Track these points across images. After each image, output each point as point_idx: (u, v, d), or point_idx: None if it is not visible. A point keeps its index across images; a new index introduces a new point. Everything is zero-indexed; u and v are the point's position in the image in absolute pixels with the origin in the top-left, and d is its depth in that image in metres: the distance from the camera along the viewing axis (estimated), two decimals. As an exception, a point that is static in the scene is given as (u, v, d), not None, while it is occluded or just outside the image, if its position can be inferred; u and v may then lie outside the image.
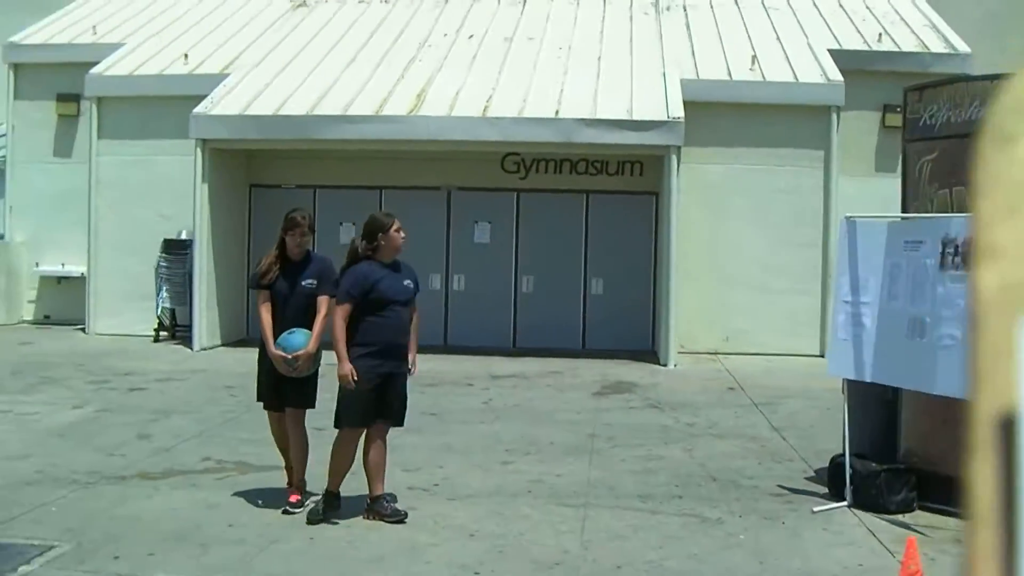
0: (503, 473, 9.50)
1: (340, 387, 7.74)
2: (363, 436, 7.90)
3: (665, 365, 16.61)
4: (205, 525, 7.66)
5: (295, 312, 8.00)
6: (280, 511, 7.96)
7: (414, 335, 8.05)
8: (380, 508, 7.87)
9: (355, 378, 7.60)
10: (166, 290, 18.14)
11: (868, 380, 8.50)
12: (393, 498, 8.03)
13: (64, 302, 19.64)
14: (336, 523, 7.75)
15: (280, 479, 8.37)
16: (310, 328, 7.94)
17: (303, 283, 8.08)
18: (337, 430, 7.92)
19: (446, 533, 7.67)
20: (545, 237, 18.73)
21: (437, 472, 9.45)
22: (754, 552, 7.32)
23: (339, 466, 7.89)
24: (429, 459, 9.91)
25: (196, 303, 17.26)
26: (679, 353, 16.81)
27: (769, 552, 7.31)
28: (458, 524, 7.90)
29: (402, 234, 7.91)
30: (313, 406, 8.24)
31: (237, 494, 8.48)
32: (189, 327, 17.48)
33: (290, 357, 7.80)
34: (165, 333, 18.15)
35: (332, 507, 7.82)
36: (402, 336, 7.89)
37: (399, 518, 7.80)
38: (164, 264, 18.23)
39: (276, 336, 7.94)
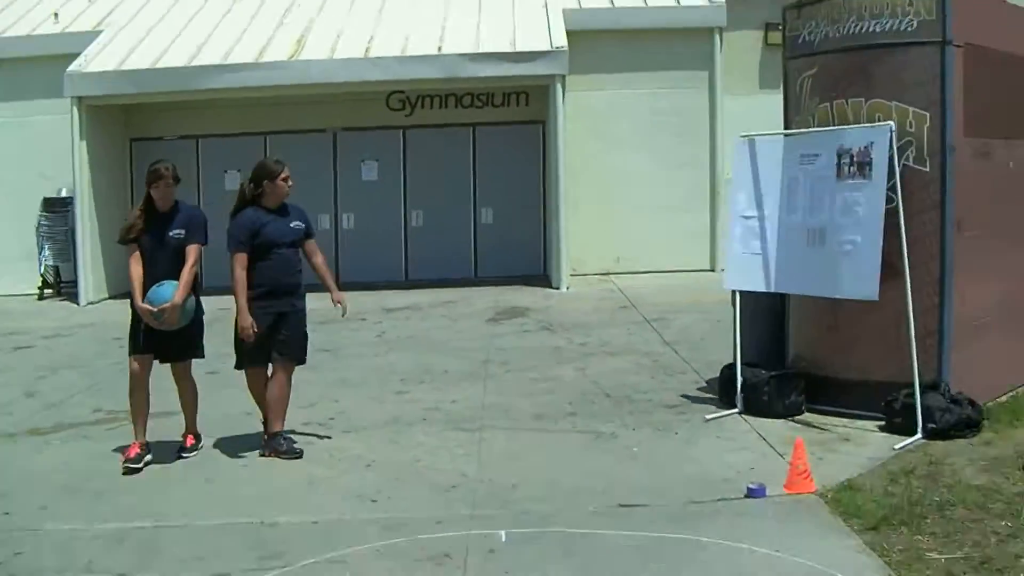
0: (398, 403, 9.51)
1: (236, 330, 7.87)
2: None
3: (557, 288, 16.70)
4: (98, 475, 7.56)
5: (166, 264, 7.77)
6: (175, 457, 7.90)
7: (325, 271, 8.27)
8: (276, 445, 7.90)
9: (255, 330, 7.78)
10: (48, 248, 17.79)
11: (770, 291, 8.62)
12: (291, 439, 8.09)
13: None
14: (235, 461, 7.73)
15: (173, 426, 8.27)
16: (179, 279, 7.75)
17: (171, 234, 7.83)
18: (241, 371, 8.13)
19: (343, 465, 7.67)
20: (433, 172, 18.68)
21: (332, 406, 9.43)
22: (648, 462, 7.42)
23: (259, 402, 8.15)
24: (324, 394, 9.89)
25: (80, 259, 16.95)
26: (571, 276, 16.91)
27: (664, 462, 7.42)
28: (354, 455, 7.90)
29: (289, 183, 8.02)
30: (200, 355, 8.13)
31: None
32: (74, 283, 17.17)
33: (156, 310, 7.57)
34: (50, 291, 17.81)
35: (288, 443, 8.03)
36: (290, 276, 8.00)
37: (295, 455, 7.85)
38: (45, 223, 17.88)
39: (147, 290, 7.71)
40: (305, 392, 9.69)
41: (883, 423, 7.90)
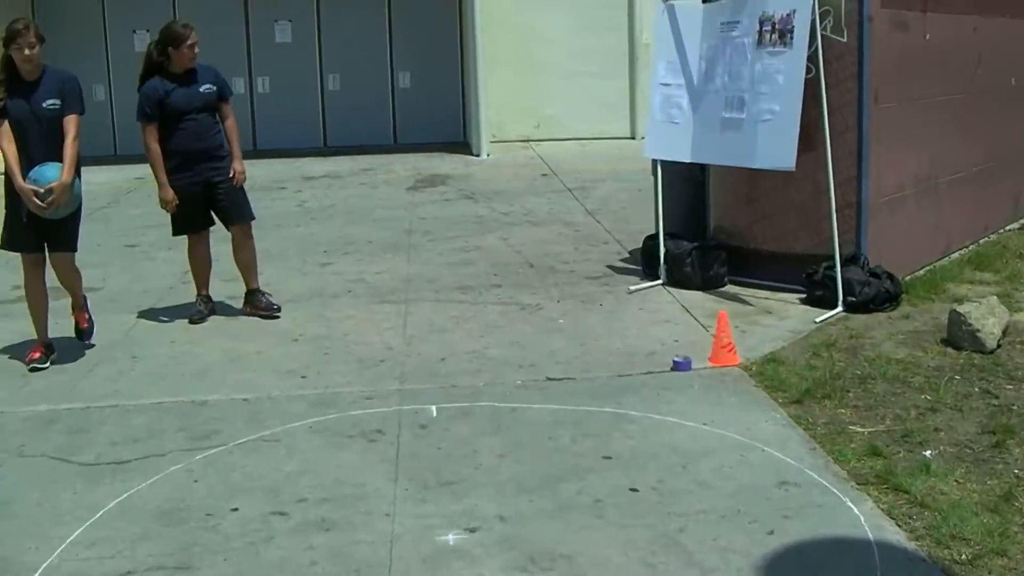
0: (322, 275, 9.51)
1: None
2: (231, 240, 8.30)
3: (478, 155, 16.66)
4: (23, 355, 7.49)
5: (40, 140, 6.98)
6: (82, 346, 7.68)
7: (233, 137, 8.10)
8: (256, 301, 8.28)
9: (177, 202, 7.89)
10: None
11: (687, 161, 8.64)
12: (269, 295, 8.45)
13: None
14: (160, 338, 7.71)
15: (94, 300, 8.18)
16: (60, 159, 6.98)
17: (44, 105, 6.96)
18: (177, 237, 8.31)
19: (270, 340, 7.68)
20: (349, 33, 18.39)
21: (256, 280, 9.39)
22: (574, 335, 7.52)
23: (193, 270, 8.32)
24: (246, 268, 9.83)
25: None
26: (491, 143, 16.85)
27: (588, 334, 7.52)
28: (281, 330, 7.91)
29: (196, 50, 7.81)
30: (76, 248, 7.39)
31: (54, 320, 8.28)
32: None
33: (43, 191, 6.83)
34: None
35: (207, 307, 8.30)
36: (202, 142, 7.91)
37: (272, 312, 8.21)
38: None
39: (24, 175, 6.91)
40: (227, 266, 9.62)
41: (804, 296, 8.05)
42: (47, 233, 7.16)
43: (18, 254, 7.33)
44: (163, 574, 4.45)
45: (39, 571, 4.52)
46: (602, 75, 17.62)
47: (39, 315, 7.40)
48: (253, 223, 8.35)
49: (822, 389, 6.18)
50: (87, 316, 7.76)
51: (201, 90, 7.87)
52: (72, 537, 4.81)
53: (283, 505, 5.02)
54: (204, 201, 8.02)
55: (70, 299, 7.68)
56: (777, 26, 7.87)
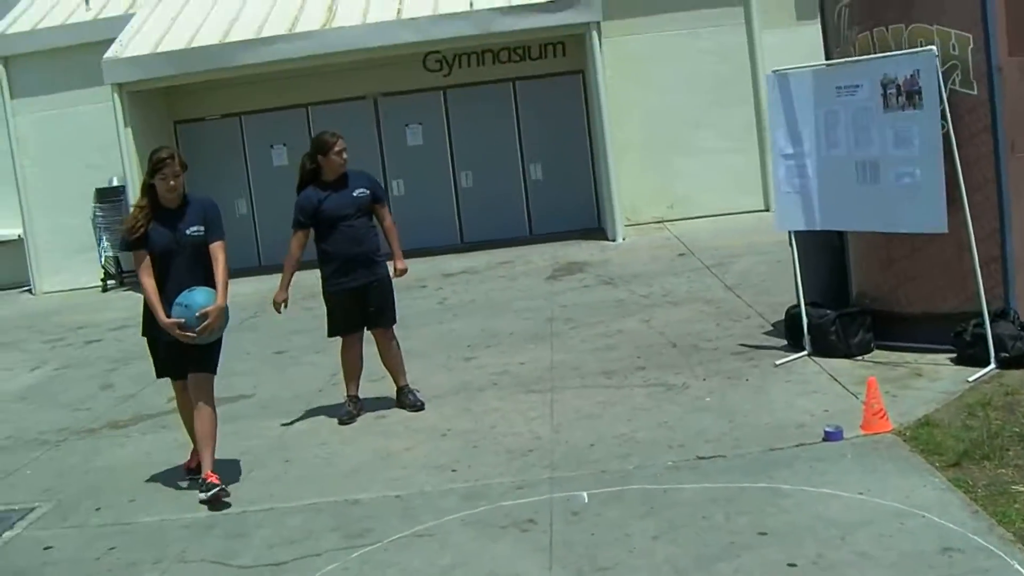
0: (467, 369, 9.58)
1: (326, 301, 8.27)
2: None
3: (613, 240, 16.69)
4: (181, 464, 7.68)
5: (185, 268, 6.94)
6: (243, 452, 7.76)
7: (393, 236, 8.38)
8: (404, 399, 8.47)
9: (285, 306, 8.17)
10: (106, 239, 17.97)
11: (819, 228, 8.56)
12: (416, 392, 8.59)
13: (5, 266, 19.36)
14: (310, 440, 7.81)
15: (246, 407, 8.38)
16: (203, 284, 6.95)
17: (188, 232, 6.93)
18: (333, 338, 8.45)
19: (418, 436, 7.75)
20: (477, 130, 18.68)
21: (402, 378, 9.51)
22: (722, 412, 7.44)
23: (345, 370, 8.43)
24: (392, 367, 9.97)
25: (138, 247, 17.06)
26: (626, 226, 16.88)
27: (736, 410, 7.43)
28: (429, 426, 7.98)
29: (344, 156, 8.05)
30: (216, 371, 7.23)
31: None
32: (135, 272, 17.30)
33: (196, 316, 6.74)
34: (112, 281, 18.02)
35: (356, 407, 8.38)
36: (359, 246, 8.09)
37: (418, 407, 8.37)
38: (100, 213, 18.06)
39: (168, 303, 6.89)
40: (374, 366, 9.77)
41: (954, 355, 7.85)
42: (190, 356, 7.04)
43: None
44: (325, 673, 4.48)
45: (205, 676, 4.59)
46: (731, 150, 17.56)
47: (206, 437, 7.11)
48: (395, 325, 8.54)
49: (980, 450, 5.99)
50: (215, 477, 6.89)
51: (355, 195, 8.09)
52: (235, 640, 4.87)
53: (439, 599, 5.03)
54: (360, 303, 8.20)
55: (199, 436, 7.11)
56: (903, 88, 7.77)
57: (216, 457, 7.06)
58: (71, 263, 18.25)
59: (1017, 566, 4.64)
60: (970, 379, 7.37)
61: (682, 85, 17.75)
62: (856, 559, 4.90)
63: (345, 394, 8.44)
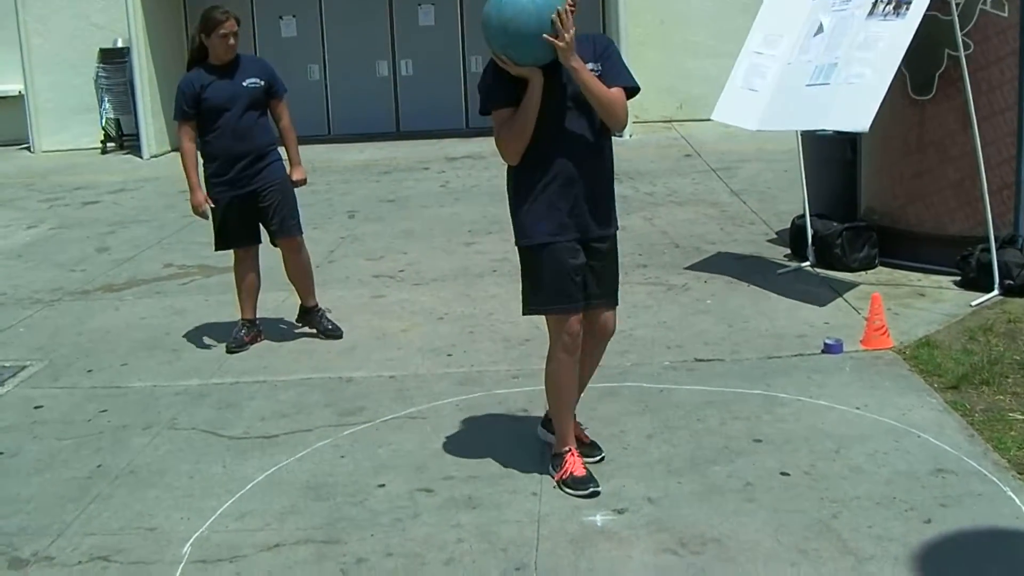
0: (467, 254, 9.52)
1: (212, 209, 7.09)
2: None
3: (620, 136, 16.51)
4: (174, 331, 7.66)
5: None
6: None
7: (290, 139, 7.28)
8: (314, 322, 7.47)
9: (211, 205, 7.06)
10: (108, 100, 17.74)
11: (753, 128, 8.18)
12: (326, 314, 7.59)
13: (5, 122, 19.12)
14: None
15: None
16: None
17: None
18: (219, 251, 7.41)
19: (415, 318, 7.71)
20: (491, 15, 18.37)
21: (401, 258, 9.47)
22: (722, 315, 7.39)
23: (239, 289, 7.39)
24: (391, 246, 9.94)
25: (140, 111, 16.91)
26: (633, 123, 16.69)
27: (736, 315, 7.39)
28: (426, 308, 7.94)
29: (231, 41, 6.88)
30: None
31: (203, 297, 8.47)
32: (136, 136, 17.18)
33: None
34: (112, 144, 17.84)
35: (251, 333, 7.36)
36: (244, 142, 6.99)
37: (335, 334, 7.37)
38: (103, 74, 17.79)
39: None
40: (372, 244, 9.74)
41: (958, 279, 7.78)
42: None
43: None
44: (311, 547, 4.48)
45: (190, 541, 4.59)
46: (747, 54, 17.32)
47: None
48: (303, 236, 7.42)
49: (980, 374, 5.95)
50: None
51: (245, 84, 6.98)
52: (222, 509, 4.88)
53: (429, 482, 5.03)
54: (252, 212, 7.15)
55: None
56: None
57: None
58: (71, 123, 18.03)
59: (1010, 492, 4.62)
60: (973, 303, 7.31)
61: (701, -17, 17.48)
62: (849, 473, 4.89)
63: (240, 317, 7.40)
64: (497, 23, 4.50)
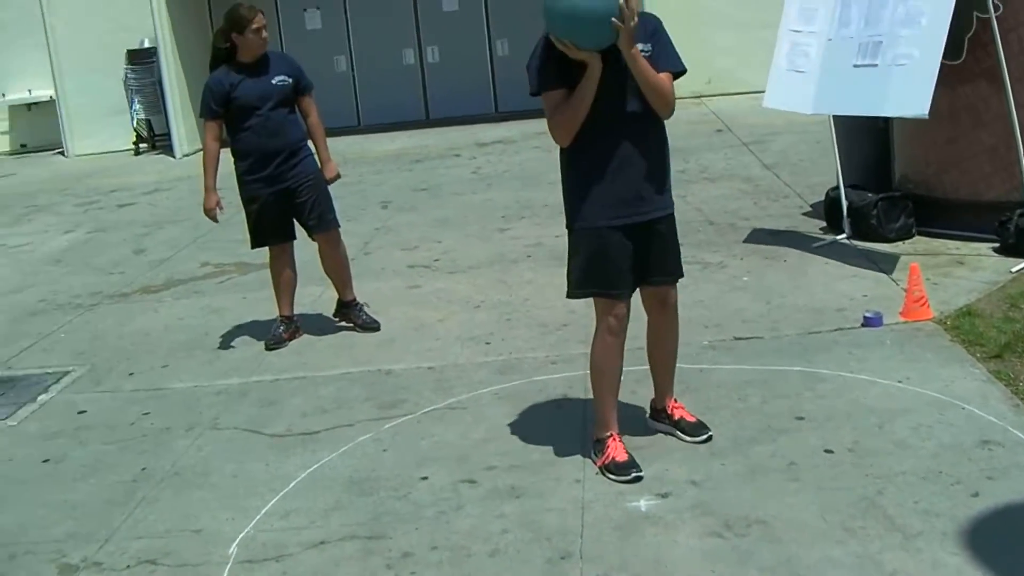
0: (501, 240, 9.51)
1: (246, 206, 7.18)
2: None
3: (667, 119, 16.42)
4: (213, 331, 7.70)
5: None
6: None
7: (319, 136, 7.25)
8: (353, 316, 7.47)
9: (221, 210, 7.16)
10: (138, 101, 17.84)
11: (810, 112, 8.21)
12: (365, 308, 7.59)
13: (38, 128, 19.22)
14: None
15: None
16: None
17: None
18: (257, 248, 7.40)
19: (452, 307, 7.72)
20: (514, -1, 18.34)
21: (435, 247, 9.47)
22: (759, 292, 7.36)
23: (276, 286, 7.40)
24: (425, 235, 9.94)
25: (171, 110, 16.97)
26: (664, 102, 16.62)
27: (774, 291, 7.35)
28: (463, 297, 7.94)
29: (264, 35, 6.95)
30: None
31: (241, 295, 8.51)
32: (168, 135, 17.25)
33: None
34: (145, 145, 17.92)
35: (289, 330, 7.38)
36: (277, 138, 7.00)
37: (372, 327, 7.40)
38: (132, 75, 17.88)
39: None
40: (407, 235, 9.75)
41: (997, 245, 7.69)
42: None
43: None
44: (357, 543, 4.50)
45: (236, 541, 4.63)
46: (773, 25, 17.01)
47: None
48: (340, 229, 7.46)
49: (1023, 343, 5.90)
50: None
51: (274, 82, 6.99)
52: (266, 508, 4.91)
53: (472, 473, 5.03)
54: (289, 208, 7.17)
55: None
56: None
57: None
58: (103, 125, 18.12)
59: (1058, 460, 4.59)
60: (1013, 270, 7.23)
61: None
62: (894, 448, 4.86)
63: (278, 314, 7.44)
64: (566, 7, 4.47)
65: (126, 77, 17.90)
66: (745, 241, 8.67)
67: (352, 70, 18.80)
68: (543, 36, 4.72)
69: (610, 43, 4.56)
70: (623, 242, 4.79)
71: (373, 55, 18.66)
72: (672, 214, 4.97)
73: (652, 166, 4.82)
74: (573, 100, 4.65)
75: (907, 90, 7.19)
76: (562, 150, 4.88)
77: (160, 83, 17.17)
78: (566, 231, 4.96)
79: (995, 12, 7.42)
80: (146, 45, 17.65)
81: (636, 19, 4.51)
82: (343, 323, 7.52)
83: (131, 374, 6.98)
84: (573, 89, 4.66)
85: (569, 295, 5.04)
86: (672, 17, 16.83)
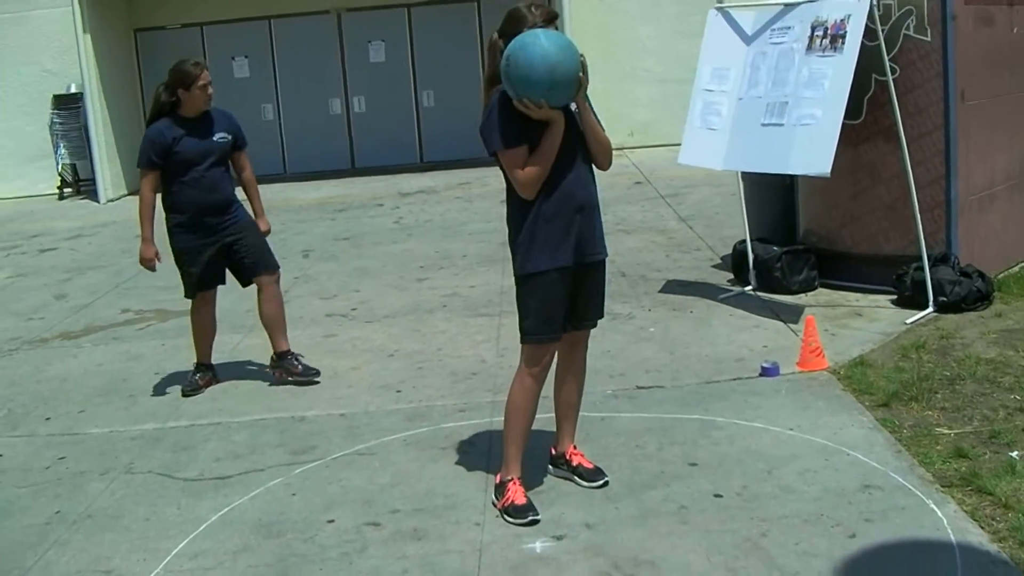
0: (418, 290, 9.69)
1: (178, 258, 7.16)
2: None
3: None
4: (131, 377, 7.80)
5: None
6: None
7: (253, 191, 7.41)
8: (289, 366, 7.42)
9: (159, 261, 7.16)
10: (64, 146, 17.90)
11: (720, 168, 8.47)
12: (301, 358, 7.59)
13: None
14: (263, 360, 7.81)
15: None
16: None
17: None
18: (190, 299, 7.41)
19: (366, 356, 7.87)
20: (441, 50, 18.62)
21: (354, 296, 9.64)
22: (664, 343, 7.60)
23: (196, 333, 7.48)
24: (345, 284, 10.11)
25: (96, 156, 17.07)
26: (585, 153, 16.93)
27: (678, 342, 7.60)
28: (377, 346, 8.10)
29: (209, 91, 7.00)
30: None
31: (160, 342, 8.61)
32: (93, 180, 17.29)
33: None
34: (69, 189, 17.95)
35: (205, 377, 7.44)
36: (214, 193, 7.06)
37: (310, 377, 7.38)
38: (58, 120, 17.95)
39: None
40: (326, 283, 9.91)
41: (895, 297, 8.04)
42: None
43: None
44: (263, 585, 4.64)
45: (147, 584, 4.74)
46: (691, 80, 17.56)
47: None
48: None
49: (910, 391, 6.18)
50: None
51: (216, 139, 7.06)
52: (177, 549, 5.02)
53: (377, 516, 5.19)
54: (225, 256, 7.25)
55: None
56: (829, 31, 7.66)
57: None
58: (27, 170, 18.14)
59: (932, 505, 4.83)
60: (908, 321, 7.56)
61: (646, 13, 17.77)
62: (779, 492, 5.09)
63: (196, 361, 7.50)
64: (543, 70, 4.70)
65: (52, 122, 17.95)
66: (655, 293, 8.93)
67: (279, 118, 18.99)
68: (497, 96, 4.94)
69: (572, 100, 4.90)
70: (566, 286, 5.09)
71: (300, 104, 18.87)
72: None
73: (595, 212, 5.21)
74: (541, 155, 4.90)
75: (810, 149, 7.52)
76: (514, 200, 5.10)
77: (86, 128, 17.23)
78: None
79: (892, 75, 7.77)
80: (72, 91, 17.71)
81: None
82: (258, 370, 7.64)
83: (48, 419, 7.06)
84: (532, 145, 4.89)
85: (524, 341, 5.20)
86: (596, 71, 17.17)
